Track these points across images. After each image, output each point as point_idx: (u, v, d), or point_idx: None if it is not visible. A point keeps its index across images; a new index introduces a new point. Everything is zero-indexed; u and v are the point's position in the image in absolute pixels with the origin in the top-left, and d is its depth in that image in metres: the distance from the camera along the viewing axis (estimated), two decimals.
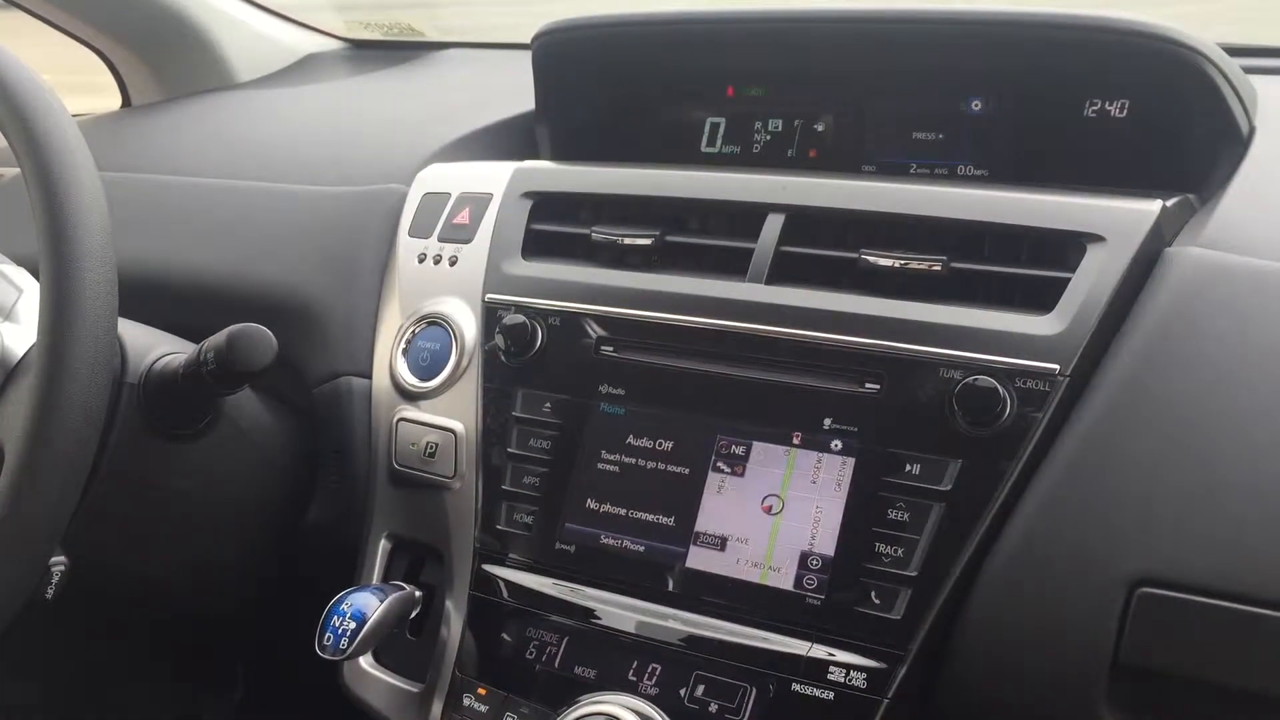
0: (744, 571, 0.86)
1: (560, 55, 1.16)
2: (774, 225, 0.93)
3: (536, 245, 1.03)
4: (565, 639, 0.91)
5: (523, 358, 0.97)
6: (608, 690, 0.88)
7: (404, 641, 1.00)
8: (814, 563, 0.84)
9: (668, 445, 0.91)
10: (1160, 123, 0.98)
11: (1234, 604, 0.71)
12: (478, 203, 1.06)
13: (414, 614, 0.99)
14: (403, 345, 1.03)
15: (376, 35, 1.78)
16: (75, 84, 1.66)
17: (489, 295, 1.01)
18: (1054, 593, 0.77)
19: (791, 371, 0.88)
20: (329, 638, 0.90)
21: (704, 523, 0.88)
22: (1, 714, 1.18)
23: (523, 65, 1.19)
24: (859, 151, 1.11)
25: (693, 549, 0.88)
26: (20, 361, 0.88)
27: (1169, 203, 0.87)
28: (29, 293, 0.93)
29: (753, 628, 0.85)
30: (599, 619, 0.90)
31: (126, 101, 1.65)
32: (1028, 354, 0.81)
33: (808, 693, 0.82)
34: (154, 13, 1.54)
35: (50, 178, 0.78)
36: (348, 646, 0.90)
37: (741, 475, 0.88)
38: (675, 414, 0.91)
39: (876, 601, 0.82)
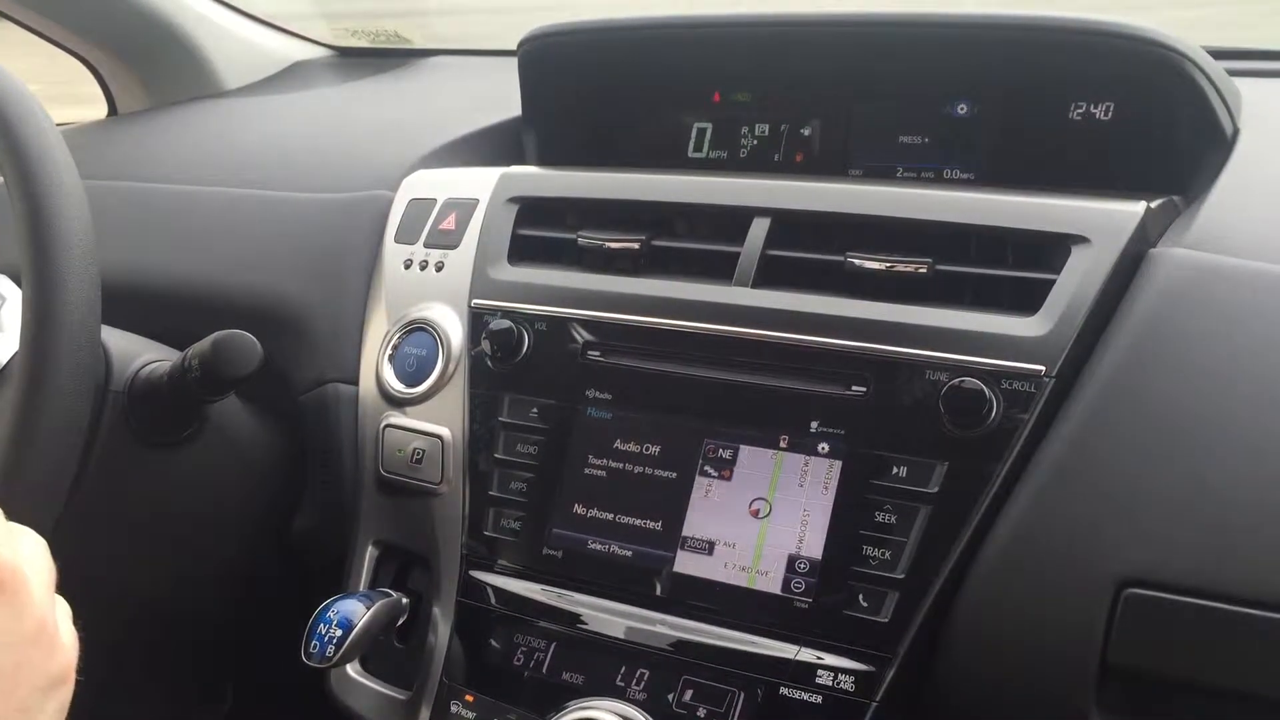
0: (732, 575, 0.86)
1: (546, 61, 1.16)
2: (760, 229, 0.93)
3: (523, 250, 1.02)
4: (553, 645, 0.90)
5: (509, 363, 0.97)
6: (596, 696, 0.87)
7: (391, 649, 1.00)
8: (801, 566, 0.84)
9: (655, 450, 0.90)
10: (1145, 125, 0.99)
11: (1220, 604, 0.71)
12: (464, 208, 1.06)
13: (401, 621, 0.98)
14: (389, 351, 1.03)
15: (364, 43, 1.78)
16: (62, 94, 1.65)
17: (475, 301, 1.00)
18: (1041, 594, 0.77)
19: (778, 375, 0.88)
20: (315, 645, 0.90)
21: (691, 527, 0.88)
22: None
23: (509, 71, 1.19)
24: (845, 155, 1.11)
25: (680, 553, 0.88)
26: (3, 369, 0.88)
27: (1154, 204, 0.87)
28: (12, 300, 0.92)
29: (741, 631, 0.85)
30: (586, 624, 0.90)
31: (113, 110, 1.64)
32: (1014, 355, 0.81)
33: (796, 696, 0.82)
34: (140, 21, 1.53)
35: (33, 185, 0.78)
36: (334, 654, 0.90)
37: (729, 479, 0.88)
38: (662, 418, 0.91)
39: (864, 604, 0.81)
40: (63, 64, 1.58)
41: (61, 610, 0.57)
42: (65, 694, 0.53)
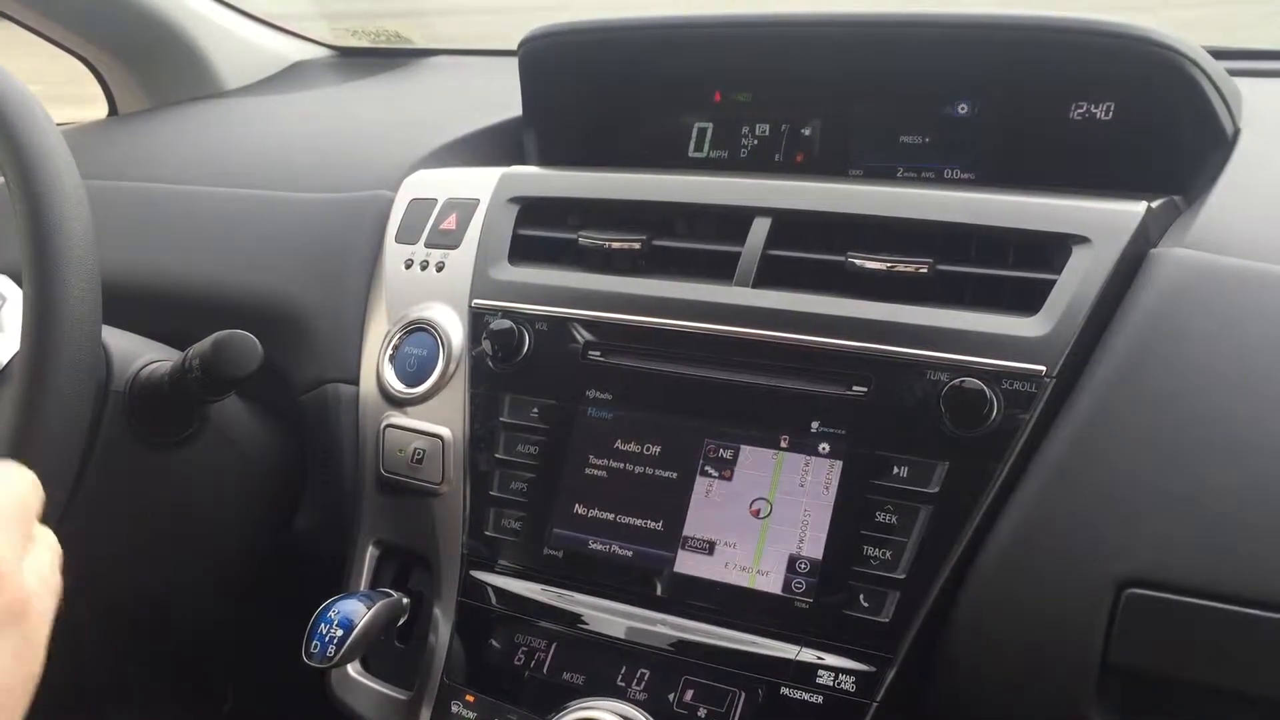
0: (732, 576, 0.86)
1: (547, 61, 1.17)
2: (760, 229, 0.93)
3: (523, 250, 1.02)
4: (554, 645, 0.90)
5: (510, 363, 0.97)
6: (596, 696, 0.87)
7: (392, 649, 1.00)
8: (802, 566, 0.84)
9: (655, 450, 0.90)
10: (1146, 125, 0.99)
11: (1221, 604, 0.71)
12: (464, 208, 1.06)
13: (402, 621, 0.98)
14: (389, 351, 1.03)
15: (364, 43, 1.78)
16: (62, 94, 1.65)
17: (476, 301, 1.00)
18: (1042, 594, 0.77)
19: (779, 375, 0.88)
20: (316, 645, 0.90)
21: (692, 527, 0.88)
22: None
23: (510, 71, 1.19)
24: (846, 155, 1.11)
25: (681, 553, 0.88)
26: (4, 369, 0.88)
27: (1154, 204, 0.87)
28: (13, 300, 0.92)
29: (741, 632, 0.85)
30: (587, 624, 0.90)
31: (113, 110, 1.64)
32: (1014, 356, 0.81)
33: (796, 696, 0.82)
34: (141, 21, 1.53)
35: (33, 185, 0.78)
36: (335, 654, 0.89)
37: (729, 479, 0.88)
38: (663, 418, 0.91)
39: (865, 604, 0.81)
40: (63, 64, 1.58)
41: (45, 545, 0.55)
42: (29, 629, 0.51)
